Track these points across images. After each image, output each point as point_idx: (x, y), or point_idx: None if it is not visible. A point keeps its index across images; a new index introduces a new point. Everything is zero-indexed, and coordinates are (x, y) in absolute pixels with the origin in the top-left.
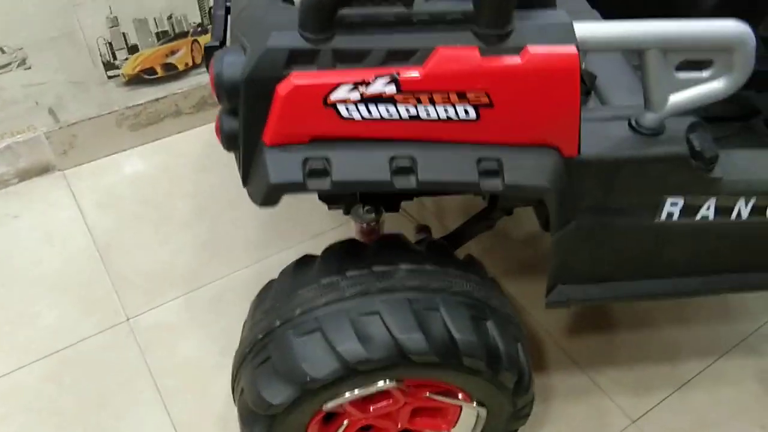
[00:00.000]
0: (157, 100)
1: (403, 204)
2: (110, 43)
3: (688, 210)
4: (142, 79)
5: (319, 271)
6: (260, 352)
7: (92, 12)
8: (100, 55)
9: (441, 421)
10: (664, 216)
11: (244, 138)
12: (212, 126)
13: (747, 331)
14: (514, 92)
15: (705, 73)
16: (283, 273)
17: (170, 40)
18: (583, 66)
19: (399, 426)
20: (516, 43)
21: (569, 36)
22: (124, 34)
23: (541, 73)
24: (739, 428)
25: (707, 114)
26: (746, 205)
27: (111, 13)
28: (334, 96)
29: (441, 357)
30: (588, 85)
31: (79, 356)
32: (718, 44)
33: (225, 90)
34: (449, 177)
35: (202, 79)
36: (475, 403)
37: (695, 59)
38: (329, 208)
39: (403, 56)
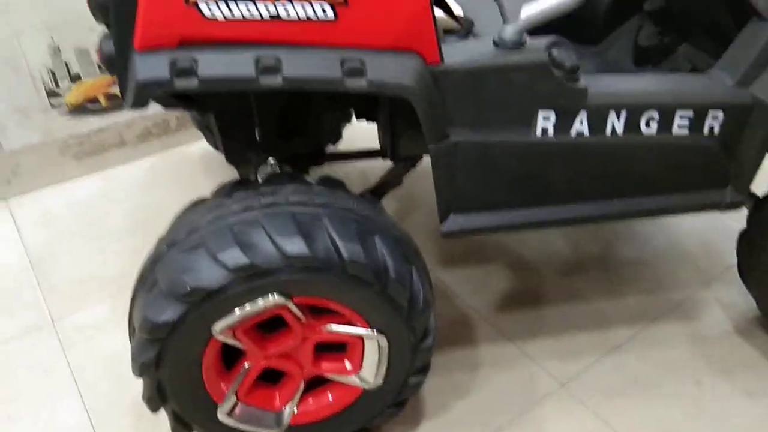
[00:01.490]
0: (100, 130)
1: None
2: (52, 72)
3: (562, 124)
4: (86, 108)
5: (209, 201)
6: (149, 279)
7: (34, 40)
8: (43, 83)
9: (346, 363)
10: (539, 132)
11: (118, 51)
12: (155, 157)
13: (677, 299)
14: None
15: None
16: (178, 213)
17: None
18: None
19: (304, 371)
20: None
21: None
22: (66, 63)
23: None
24: (674, 385)
25: None
26: (618, 118)
27: (53, 42)
28: None
29: (324, 263)
30: (466, 29)
31: (0, 355)
32: None
33: (96, 5)
34: (314, 74)
35: (145, 110)
36: (374, 331)
37: None
38: (240, 172)
39: None
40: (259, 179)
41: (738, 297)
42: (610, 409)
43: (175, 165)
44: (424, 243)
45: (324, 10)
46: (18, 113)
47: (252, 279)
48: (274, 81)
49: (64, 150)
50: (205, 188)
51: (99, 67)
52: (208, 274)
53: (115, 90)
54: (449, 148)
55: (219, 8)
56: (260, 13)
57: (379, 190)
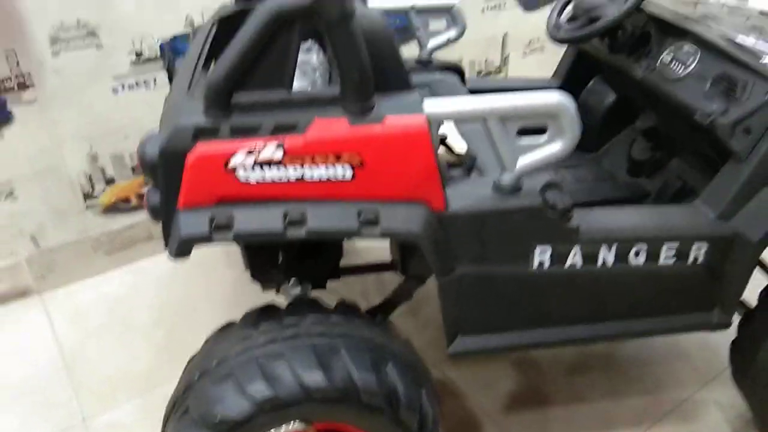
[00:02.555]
0: (131, 226)
1: (335, 285)
2: (90, 176)
3: (557, 258)
4: (118, 208)
5: (237, 329)
6: (181, 405)
7: (75, 149)
8: (80, 187)
9: None
10: (536, 264)
11: (164, 205)
12: None
13: (676, 400)
14: (380, 153)
15: (542, 138)
16: (208, 338)
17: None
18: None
19: None
20: (377, 115)
21: (419, 109)
22: (102, 168)
23: (399, 137)
24: None
25: (606, 197)
26: (609, 251)
27: (91, 150)
28: (233, 162)
29: (340, 393)
30: (469, 165)
31: None
32: (544, 111)
33: (146, 164)
34: (334, 226)
35: None
36: None
37: (530, 126)
38: (263, 289)
39: (288, 128)
40: (283, 297)
41: (735, 398)
42: None
43: (199, 257)
44: (434, 338)
45: (344, 171)
46: (56, 215)
47: (276, 409)
48: (299, 233)
49: (96, 246)
50: (227, 280)
51: (132, 169)
52: (235, 405)
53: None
54: (455, 280)
55: (253, 173)
56: (288, 177)
57: (391, 303)
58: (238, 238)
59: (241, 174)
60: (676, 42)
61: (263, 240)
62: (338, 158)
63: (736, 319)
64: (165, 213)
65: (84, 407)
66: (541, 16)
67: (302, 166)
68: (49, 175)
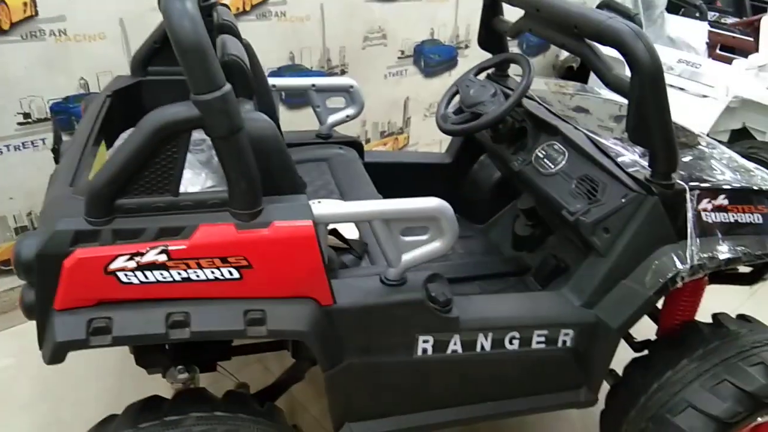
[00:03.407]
0: (12, 289)
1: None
2: None
3: (439, 346)
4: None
5: (115, 428)
6: None
7: None
8: None
9: None
10: (420, 352)
11: (39, 306)
12: None
13: None
14: (267, 256)
15: (424, 237)
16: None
17: None
18: (358, 236)
19: None
20: (265, 219)
21: (307, 213)
22: None
23: (286, 240)
24: None
25: (491, 271)
26: (486, 338)
27: None
28: (113, 265)
29: None
30: (360, 251)
31: None
32: (424, 216)
33: (21, 265)
34: (219, 327)
35: None
36: None
37: (413, 226)
38: (148, 373)
39: (173, 232)
40: (168, 382)
41: None
42: None
43: None
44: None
45: (231, 272)
46: None
47: None
48: (182, 335)
49: None
50: (111, 352)
51: (16, 231)
52: None
53: None
54: (342, 370)
55: (136, 276)
56: (173, 278)
57: (282, 385)
58: (118, 343)
59: (121, 276)
60: (549, 139)
61: (145, 343)
62: (224, 261)
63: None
64: (40, 313)
65: None
66: (441, 82)
67: (187, 269)
68: None
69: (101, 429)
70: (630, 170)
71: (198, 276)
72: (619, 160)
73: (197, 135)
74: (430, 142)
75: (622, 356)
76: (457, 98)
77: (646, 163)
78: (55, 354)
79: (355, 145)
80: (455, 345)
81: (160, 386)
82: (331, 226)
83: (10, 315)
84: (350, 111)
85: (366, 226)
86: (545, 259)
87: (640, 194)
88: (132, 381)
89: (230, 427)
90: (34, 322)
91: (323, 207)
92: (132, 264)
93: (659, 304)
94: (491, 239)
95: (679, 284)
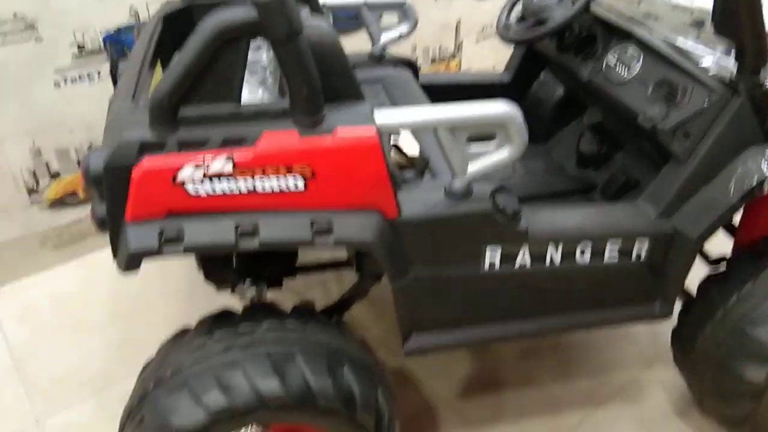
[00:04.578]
0: (79, 220)
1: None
2: (33, 172)
3: (507, 258)
4: (64, 201)
5: (192, 336)
6: (137, 415)
7: (16, 144)
8: (24, 183)
9: None
10: (487, 265)
11: (111, 218)
12: None
13: (622, 381)
14: (331, 164)
15: (491, 145)
16: (162, 346)
17: None
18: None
19: None
20: (328, 126)
21: (370, 120)
22: (46, 163)
23: (349, 147)
24: None
25: (555, 190)
26: (556, 250)
27: (34, 145)
28: (181, 176)
29: (297, 400)
30: (421, 167)
31: None
32: (492, 121)
33: (90, 179)
34: (287, 236)
35: None
36: None
37: (479, 134)
38: (217, 289)
39: (237, 142)
40: (238, 296)
41: (677, 379)
42: None
43: None
44: (391, 327)
45: (296, 183)
46: None
47: (232, 418)
48: (252, 244)
49: (44, 241)
50: (181, 273)
51: (78, 163)
52: (191, 415)
53: None
54: (409, 282)
55: (203, 186)
56: (239, 189)
57: (347, 302)
58: (189, 251)
59: (190, 187)
60: (621, 44)
61: (215, 252)
62: (289, 170)
63: (678, 306)
64: (112, 225)
65: (36, 408)
66: (494, 3)
67: (253, 178)
68: None
69: (175, 341)
70: (712, 71)
71: (264, 187)
72: (699, 60)
73: (251, 56)
74: (483, 67)
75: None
76: (519, 7)
77: (730, 63)
78: (130, 262)
79: (410, 65)
80: (524, 257)
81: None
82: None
83: (77, 246)
84: (403, 28)
85: (427, 142)
86: (613, 175)
87: (725, 94)
88: (200, 304)
89: (301, 335)
90: (100, 252)
91: (386, 114)
92: (199, 174)
93: (737, 218)
94: (554, 159)
95: (766, 190)
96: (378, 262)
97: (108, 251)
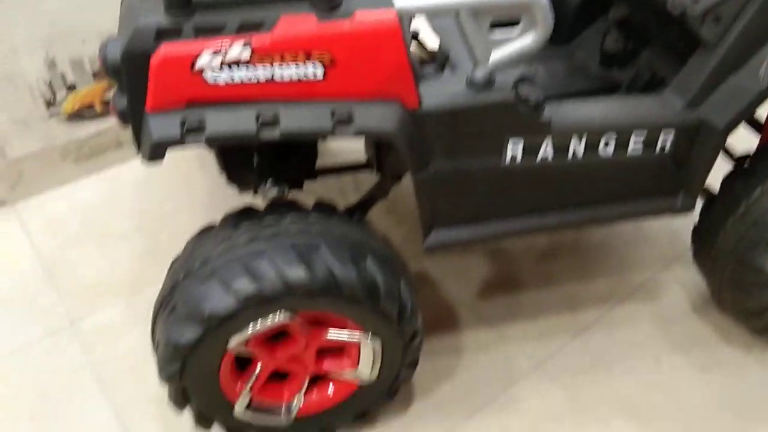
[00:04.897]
0: (98, 133)
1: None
2: (50, 83)
3: (529, 151)
4: (82, 115)
5: (217, 231)
6: (169, 304)
7: (31, 56)
8: (41, 95)
9: (344, 361)
10: (509, 158)
11: (132, 110)
12: None
13: (641, 280)
14: (350, 50)
15: (515, 31)
16: (189, 240)
17: (106, 78)
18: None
19: (308, 370)
20: (346, 10)
21: (389, 3)
22: (62, 74)
23: (369, 32)
24: (636, 361)
25: (579, 89)
26: (579, 142)
27: (48, 55)
28: (199, 63)
29: (322, 289)
30: (442, 60)
31: (24, 359)
32: (517, 3)
33: (109, 68)
34: (308, 126)
35: None
36: (369, 336)
37: (502, 18)
38: (240, 191)
39: (254, 27)
40: (260, 197)
41: (695, 278)
42: (580, 385)
43: (171, 161)
44: (409, 233)
45: (314, 70)
46: (18, 124)
47: (261, 304)
48: (272, 134)
49: (64, 155)
50: (202, 183)
51: (93, 75)
52: (222, 301)
53: (110, 96)
54: (430, 175)
55: (221, 74)
56: (257, 77)
57: (367, 202)
58: (211, 141)
59: (209, 75)
60: None
61: (237, 141)
62: (308, 56)
63: (699, 206)
64: (133, 117)
65: (71, 311)
66: None
67: (271, 65)
68: (5, 82)
69: (201, 236)
70: None
71: (283, 75)
72: None
73: None
74: None
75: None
76: None
77: None
78: (153, 152)
79: None
80: (546, 150)
81: None
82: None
83: (98, 160)
84: None
85: (447, 35)
86: (639, 72)
87: None
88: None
89: (324, 228)
90: (121, 166)
91: None
92: (217, 61)
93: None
94: (577, 60)
95: None
96: (398, 156)
97: (130, 165)
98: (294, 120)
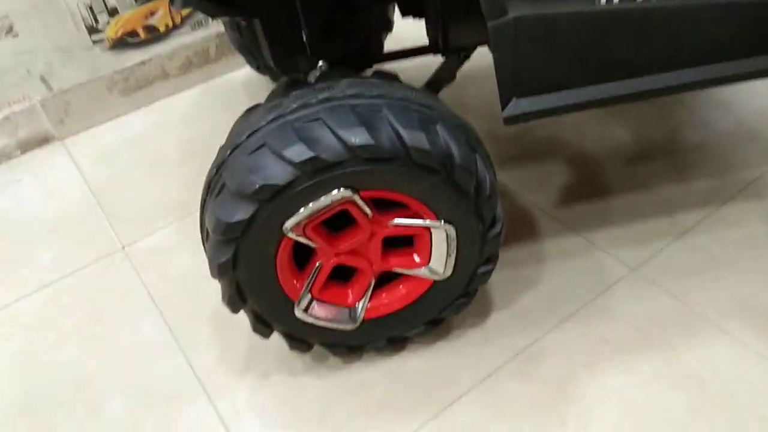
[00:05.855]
0: (143, 63)
1: None
2: (91, 7)
3: None
4: (126, 42)
5: (266, 103)
6: (216, 184)
7: None
8: (83, 20)
9: (415, 256)
10: None
11: None
12: (199, 87)
13: (747, 179)
14: None
15: None
16: (236, 120)
17: (147, 1)
18: None
19: (374, 267)
20: None
21: None
22: None
23: None
24: (750, 261)
25: None
26: None
27: None
28: None
29: (388, 153)
30: None
31: (77, 283)
32: None
33: None
34: None
35: (184, 40)
36: (441, 221)
37: None
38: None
39: None
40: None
41: None
42: (685, 287)
43: (219, 94)
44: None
45: None
46: (62, 52)
47: (318, 173)
48: None
49: (110, 86)
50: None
51: None
52: (275, 171)
53: (153, 21)
54: (509, 24)
55: None
56: None
57: (432, 86)
58: None
59: None
60: None
61: None
62: None
63: None
64: None
65: (122, 236)
66: None
67: None
68: (46, 6)
69: (248, 112)
70: None
71: None
72: None
73: None
74: None
75: None
76: None
77: None
78: None
79: None
80: None
81: None
82: None
83: (145, 92)
84: None
85: None
86: None
87: None
88: None
89: (386, 90)
90: (169, 99)
91: None
92: None
93: None
94: None
95: None
96: (465, 25)
97: (178, 97)
98: None
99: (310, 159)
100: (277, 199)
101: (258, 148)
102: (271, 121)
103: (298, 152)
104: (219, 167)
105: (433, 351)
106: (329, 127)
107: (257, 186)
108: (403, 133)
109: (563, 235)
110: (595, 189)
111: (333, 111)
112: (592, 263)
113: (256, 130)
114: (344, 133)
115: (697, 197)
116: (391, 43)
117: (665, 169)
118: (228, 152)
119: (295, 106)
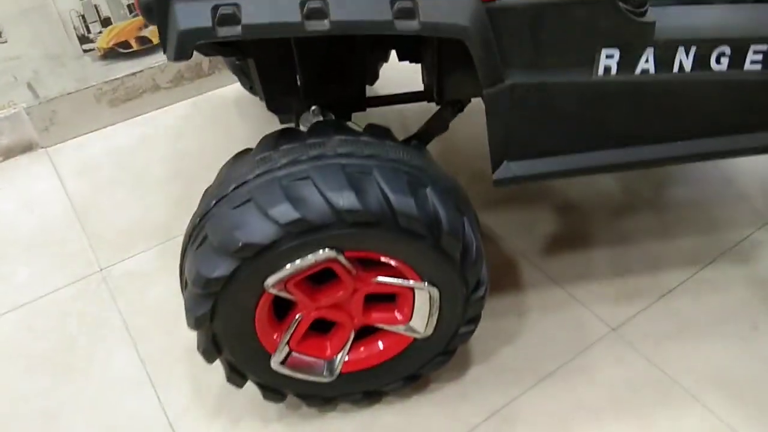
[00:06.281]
0: (134, 74)
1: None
2: (83, 16)
3: (626, 62)
4: (117, 53)
5: (255, 153)
6: (198, 235)
7: None
8: (74, 29)
9: (396, 313)
10: (601, 71)
11: (158, 3)
12: (189, 101)
13: (733, 241)
14: None
15: None
16: (223, 166)
17: None
18: None
19: (354, 321)
20: None
21: None
22: (96, 6)
23: None
24: (729, 328)
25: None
26: (687, 55)
27: None
28: None
29: (375, 217)
30: None
31: (51, 305)
32: None
33: None
34: (362, 17)
35: None
36: (425, 283)
37: None
38: (281, 121)
39: None
40: (302, 127)
41: None
42: (663, 353)
43: (209, 109)
44: (467, 186)
45: None
46: (51, 60)
47: (303, 234)
48: (321, 26)
49: (99, 96)
50: (241, 131)
51: (129, 8)
52: (259, 229)
53: (146, 33)
54: (505, 91)
55: None
56: None
57: (424, 136)
58: (248, 33)
59: None
60: None
61: (279, 33)
62: None
63: None
64: (159, 9)
65: (100, 257)
66: None
67: None
68: (36, 14)
69: (236, 160)
70: None
71: None
72: None
73: None
74: None
75: None
76: None
77: None
78: (180, 46)
79: None
80: (647, 62)
81: None
82: None
83: (133, 104)
84: None
85: None
86: None
87: None
88: None
89: (377, 150)
90: (157, 111)
91: None
92: None
93: None
94: None
95: None
96: (461, 78)
97: (167, 110)
98: (346, 10)
99: (296, 220)
100: (259, 258)
101: (243, 203)
102: (259, 175)
103: (284, 212)
104: (202, 217)
105: (408, 405)
106: (317, 188)
107: (240, 244)
108: (392, 197)
109: (545, 287)
110: (580, 239)
111: (323, 170)
112: (573, 319)
113: (243, 183)
114: (332, 196)
115: (681, 256)
116: (385, 87)
117: (651, 224)
118: (213, 202)
119: (284, 161)
